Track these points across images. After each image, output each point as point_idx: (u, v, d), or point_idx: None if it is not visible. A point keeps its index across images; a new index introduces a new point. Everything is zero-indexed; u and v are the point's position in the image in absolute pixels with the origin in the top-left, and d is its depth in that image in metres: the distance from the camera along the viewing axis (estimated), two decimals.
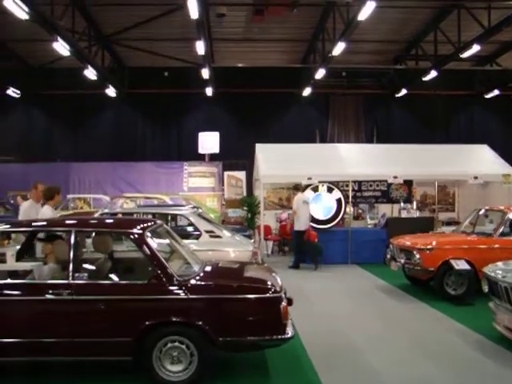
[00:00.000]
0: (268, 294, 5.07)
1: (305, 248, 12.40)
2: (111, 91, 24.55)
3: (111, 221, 6.98)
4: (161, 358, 4.91)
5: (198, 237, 8.69)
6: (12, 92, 25.24)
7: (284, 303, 5.06)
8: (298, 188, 13.11)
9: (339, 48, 17.58)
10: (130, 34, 20.78)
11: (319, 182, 13.33)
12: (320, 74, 21.21)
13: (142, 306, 4.94)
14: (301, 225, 12.34)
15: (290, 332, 5.06)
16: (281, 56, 24.11)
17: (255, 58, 24.10)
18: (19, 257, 5.97)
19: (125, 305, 4.93)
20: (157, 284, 4.96)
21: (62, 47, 17.79)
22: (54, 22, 16.17)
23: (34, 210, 7.76)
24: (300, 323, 6.52)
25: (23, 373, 5.25)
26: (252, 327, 5.03)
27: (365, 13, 14.39)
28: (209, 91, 24.63)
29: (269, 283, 5.28)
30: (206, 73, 21.91)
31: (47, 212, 7.70)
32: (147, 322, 4.86)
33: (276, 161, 13.66)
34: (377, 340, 6.67)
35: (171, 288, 4.95)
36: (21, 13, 14.51)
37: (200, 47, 18.14)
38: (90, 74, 21.41)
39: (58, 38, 17.07)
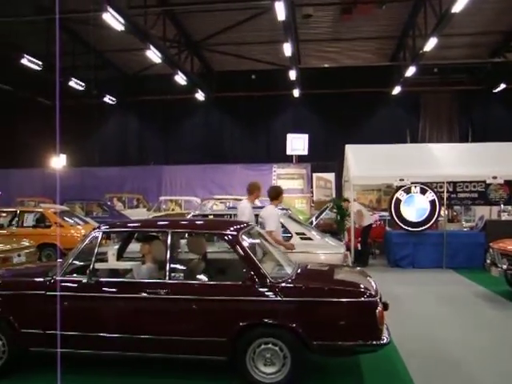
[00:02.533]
0: (362, 298, 4.94)
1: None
2: (200, 95, 25.22)
3: (206, 222, 7.09)
4: (254, 359, 4.91)
5: (288, 239, 8.66)
6: (108, 99, 26.61)
7: (380, 308, 4.90)
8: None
9: (431, 43, 16.97)
10: (218, 39, 21.24)
11: (412, 183, 12.88)
12: (410, 71, 20.60)
13: (236, 307, 4.97)
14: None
15: (385, 337, 4.90)
16: (369, 55, 23.65)
17: (342, 58, 23.81)
18: (118, 256, 6.24)
19: (219, 305, 4.99)
20: (250, 285, 4.98)
21: (154, 55, 18.53)
22: (146, 31, 16.87)
23: (248, 210, 7.81)
24: (394, 328, 6.29)
25: (120, 365, 5.45)
26: (346, 332, 4.91)
27: (460, 4, 13.76)
28: (296, 93, 24.64)
29: (363, 287, 5.14)
30: (293, 74, 21.93)
31: (273, 212, 7.77)
32: (241, 323, 4.88)
33: (366, 161, 13.35)
34: (479, 350, 6.29)
35: (265, 290, 4.95)
36: (117, 25, 15.28)
37: (287, 49, 18.18)
38: (180, 79, 22.12)
39: (151, 47, 17.79)
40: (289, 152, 22.81)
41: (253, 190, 8.03)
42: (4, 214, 13.46)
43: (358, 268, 7.00)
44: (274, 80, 24.51)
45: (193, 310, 5.01)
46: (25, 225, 12.83)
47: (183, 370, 5.37)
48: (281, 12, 14.55)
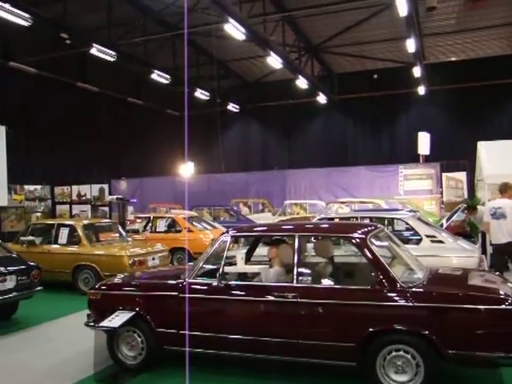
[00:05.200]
0: (504, 306, 4.57)
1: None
2: (322, 98, 25.15)
3: (333, 225, 7.01)
4: (384, 367, 4.75)
5: (417, 242, 8.29)
6: (232, 107, 27.47)
7: None
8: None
9: None
10: (338, 41, 21.07)
11: None
12: None
13: (365, 312, 4.84)
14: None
15: None
16: (502, 43, 22.06)
17: (471, 50, 22.53)
18: (246, 260, 6.36)
19: (348, 310, 4.89)
20: (379, 290, 4.82)
21: (274, 61, 18.81)
22: (266, 38, 17.18)
23: None
24: None
25: (246, 367, 5.52)
26: (485, 341, 4.57)
27: None
28: (421, 90, 23.66)
29: (502, 293, 4.76)
30: (417, 71, 21.11)
31: None
32: (370, 329, 4.75)
33: (501, 159, 12.40)
34: None
35: (394, 294, 4.76)
36: (238, 34, 15.73)
37: (410, 45, 17.55)
38: (301, 83, 22.22)
39: (271, 53, 18.07)
40: (420, 152, 21.78)
41: (506, 189, 8.48)
42: (139, 220, 14.37)
43: (496, 273, 6.50)
44: (398, 78, 23.77)
45: (320, 314, 4.96)
46: (157, 230, 13.56)
47: (310, 375, 5.33)
48: (403, 7, 14.07)
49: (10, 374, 5.68)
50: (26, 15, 14.30)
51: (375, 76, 25.25)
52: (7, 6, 13.65)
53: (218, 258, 5.66)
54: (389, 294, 4.77)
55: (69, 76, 21.01)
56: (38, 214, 19.70)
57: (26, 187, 19.77)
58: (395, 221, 10.43)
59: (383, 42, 21.44)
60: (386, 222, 10.10)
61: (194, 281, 5.48)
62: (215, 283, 5.37)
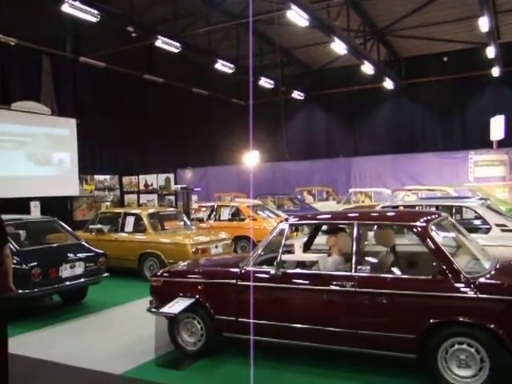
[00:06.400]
0: None
1: None
2: (388, 84, 24.51)
3: (393, 213, 6.78)
4: (447, 360, 4.56)
5: (486, 231, 7.93)
6: (296, 95, 27.29)
7: None
8: None
9: None
10: (405, 23, 20.43)
11: None
12: None
13: (426, 303, 4.67)
14: None
15: None
16: None
17: None
18: (305, 248, 6.31)
19: (408, 300, 4.73)
20: (442, 280, 4.63)
21: (339, 47, 18.50)
22: (330, 23, 16.86)
23: None
24: None
25: (306, 356, 5.49)
26: None
27: None
28: (495, 71, 22.54)
29: None
30: (491, 51, 20.09)
31: None
32: (431, 320, 4.58)
33: None
34: None
35: (458, 285, 4.56)
36: (301, 21, 15.56)
37: (483, 24, 16.73)
38: (367, 69, 21.73)
39: (335, 39, 17.76)
40: (493, 137, 20.80)
41: None
42: (204, 209, 14.58)
43: None
44: (469, 60, 22.77)
45: (379, 305, 4.84)
46: (222, 218, 13.71)
47: (370, 365, 5.22)
48: None
49: (81, 355, 5.93)
50: (95, 11, 14.78)
51: (445, 58, 24.30)
52: (77, 3, 14.15)
53: (276, 246, 5.64)
54: (451, 285, 4.58)
55: (136, 68, 21.58)
56: (108, 204, 20.43)
57: (96, 177, 20.54)
58: (463, 209, 9.99)
59: (453, 22, 20.56)
60: (453, 211, 9.71)
61: (252, 269, 5.49)
62: (273, 271, 5.35)
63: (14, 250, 7.25)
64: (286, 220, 5.84)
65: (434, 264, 4.80)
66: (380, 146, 25.04)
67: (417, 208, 9.49)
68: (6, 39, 16.65)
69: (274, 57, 22.61)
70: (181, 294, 5.74)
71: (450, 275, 4.61)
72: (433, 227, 4.99)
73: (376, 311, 4.87)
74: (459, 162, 20.21)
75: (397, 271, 5.32)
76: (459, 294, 4.55)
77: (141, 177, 21.45)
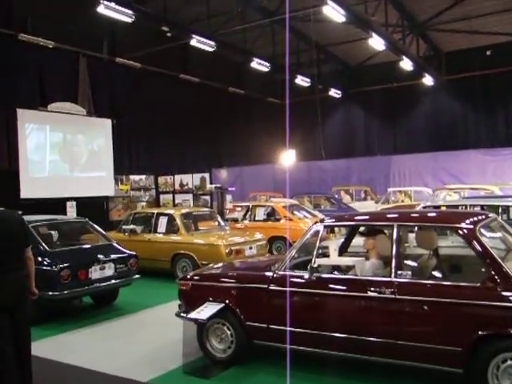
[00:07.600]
0: None
1: None
2: (428, 80, 23.80)
3: (436, 214, 6.34)
4: (498, 377, 4.14)
5: None
6: (333, 93, 26.83)
7: None
8: None
9: None
10: (445, 17, 19.76)
11: None
12: None
13: (474, 313, 4.27)
14: None
15: None
16: None
17: None
18: (341, 251, 5.97)
19: (453, 309, 4.35)
20: (491, 287, 4.24)
21: (377, 43, 18.00)
22: (367, 19, 16.40)
23: None
24: None
25: (341, 367, 5.15)
26: None
27: None
28: None
29: None
30: None
31: None
32: (480, 332, 4.18)
33: None
34: None
35: (509, 293, 4.15)
36: (338, 16, 15.18)
37: None
38: (406, 65, 21.14)
39: (373, 34, 17.27)
40: None
41: None
42: (239, 209, 14.37)
43: None
44: None
45: (421, 313, 4.47)
46: (257, 218, 13.44)
47: (409, 379, 4.85)
48: None
49: (109, 360, 5.79)
50: (129, 12, 14.76)
51: (488, 52, 23.42)
52: (112, 4, 14.13)
53: (310, 249, 5.32)
54: (502, 293, 4.17)
55: (171, 68, 21.56)
56: (143, 204, 20.43)
57: (132, 177, 20.53)
58: (511, 209, 9.45)
59: (498, 13, 19.73)
60: (499, 210, 9.18)
61: (284, 273, 5.19)
62: (306, 276, 5.05)
63: (44, 251, 7.18)
64: (321, 221, 5.53)
65: (482, 269, 4.41)
66: (420, 144, 24.35)
67: (460, 208, 9.03)
68: (44, 42, 16.86)
69: (311, 54, 22.24)
70: (210, 299, 5.50)
71: (500, 282, 4.21)
72: (481, 229, 4.59)
73: (417, 320, 4.50)
74: (505, 160, 19.37)
75: (440, 277, 4.94)
76: (511, 304, 4.14)
77: (176, 177, 21.40)
